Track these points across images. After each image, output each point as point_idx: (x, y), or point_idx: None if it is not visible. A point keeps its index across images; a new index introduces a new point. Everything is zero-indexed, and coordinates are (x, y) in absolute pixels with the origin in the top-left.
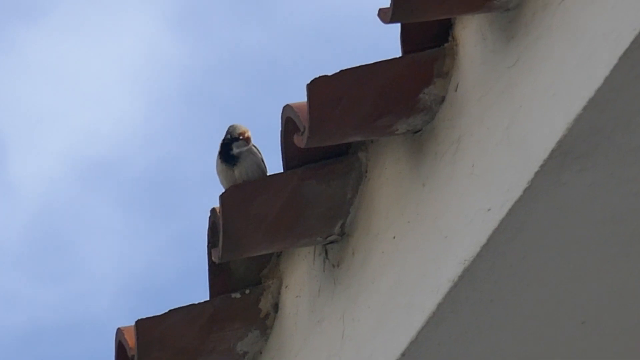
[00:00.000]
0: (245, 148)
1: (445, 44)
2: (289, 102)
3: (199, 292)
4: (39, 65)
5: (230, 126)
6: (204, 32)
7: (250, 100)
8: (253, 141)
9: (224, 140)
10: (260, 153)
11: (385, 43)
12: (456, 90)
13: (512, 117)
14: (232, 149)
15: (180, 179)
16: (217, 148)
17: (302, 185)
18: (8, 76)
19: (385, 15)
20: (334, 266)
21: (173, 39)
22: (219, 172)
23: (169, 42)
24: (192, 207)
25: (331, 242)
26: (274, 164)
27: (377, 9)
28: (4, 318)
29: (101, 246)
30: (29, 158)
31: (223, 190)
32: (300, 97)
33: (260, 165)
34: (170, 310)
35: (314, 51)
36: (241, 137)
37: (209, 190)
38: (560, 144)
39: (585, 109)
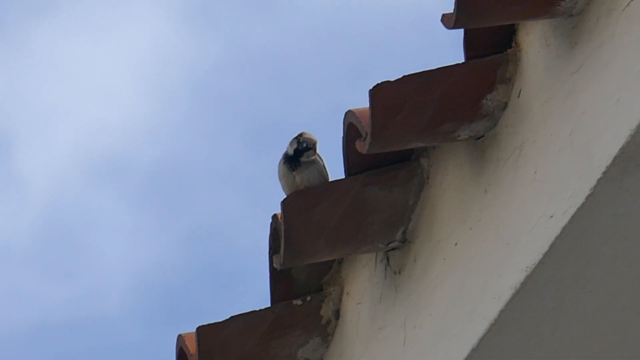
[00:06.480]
0: (313, 157)
1: (509, 50)
2: (297, 98)
3: (211, 289)
4: (47, 61)
5: (303, 135)
6: (212, 27)
7: (258, 96)
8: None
9: (297, 147)
10: (322, 160)
11: (401, 41)
12: (519, 97)
13: (575, 124)
14: (303, 156)
15: (187, 174)
16: (282, 154)
17: (364, 192)
18: (17, 72)
19: (449, 21)
20: (395, 273)
21: (181, 34)
22: (280, 177)
23: (177, 37)
24: (200, 203)
25: (393, 249)
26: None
27: (441, 15)
28: (11, 314)
29: (110, 242)
30: (37, 153)
31: (284, 196)
32: (309, 94)
33: (322, 172)
34: (231, 317)
35: (322, 47)
36: (312, 147)
37: (217, 185)
38: (624, 150)
39: None
